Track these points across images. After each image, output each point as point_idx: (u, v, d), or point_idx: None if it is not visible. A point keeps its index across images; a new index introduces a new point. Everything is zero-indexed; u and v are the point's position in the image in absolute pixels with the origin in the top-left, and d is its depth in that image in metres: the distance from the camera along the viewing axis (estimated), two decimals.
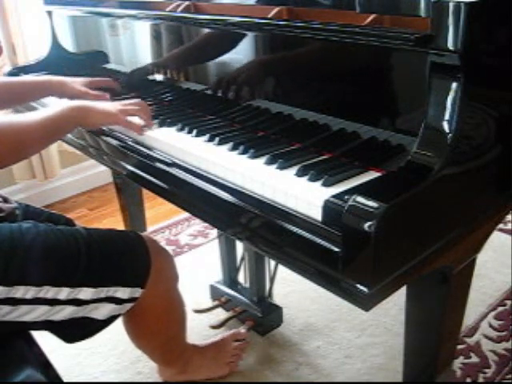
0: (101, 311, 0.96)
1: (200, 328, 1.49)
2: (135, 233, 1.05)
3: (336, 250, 0.66)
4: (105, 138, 1.13)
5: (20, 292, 0.87)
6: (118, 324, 1.04)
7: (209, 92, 1.12)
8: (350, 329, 1.49)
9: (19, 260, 0.87)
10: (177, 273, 1.13)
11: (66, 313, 0.92)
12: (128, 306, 0.99)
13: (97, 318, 0.96)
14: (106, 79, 1.34)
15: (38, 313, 0.90)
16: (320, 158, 0.85)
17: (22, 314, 0.89)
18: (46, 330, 0.96)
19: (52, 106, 1.02)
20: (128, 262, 0.99)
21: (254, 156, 0.87)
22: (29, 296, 0.87)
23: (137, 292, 0.98)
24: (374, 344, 1.43)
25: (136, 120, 1.05)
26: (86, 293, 0.92)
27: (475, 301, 1.54)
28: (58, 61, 1.58)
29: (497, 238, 1.83)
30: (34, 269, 0.87)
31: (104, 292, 0.94)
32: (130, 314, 1.03)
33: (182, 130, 1.02)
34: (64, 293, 0.90)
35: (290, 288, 1.66)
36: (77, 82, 1.26)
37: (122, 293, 0.96)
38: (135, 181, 1.09)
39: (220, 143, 0.93)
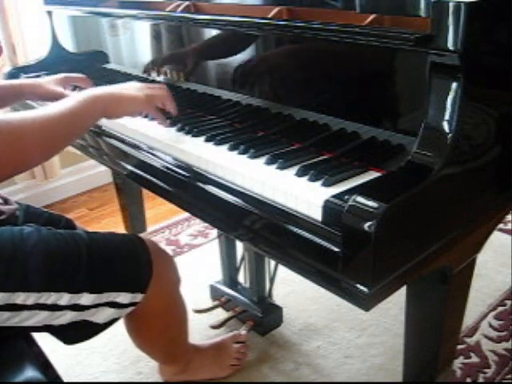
0: (101, 315, 0.95)
1: (200, 328, 1.49)
2: (137, 236, 1.03)
3: (336, 249, 0.66)
4: (105, 138, 1.13)
5: (21, 298, 0.86)
6: (119, 324, 1.04)
7: (209, 92, 1.12)
8: (349, 329, 1.49)
9: (20, 266, 0.86)
10: (179, 276, 1.12)
11: (66, 318, 0.92)
12: (128, 310, 0.98)
13: (97, 322, 0.96)
14: (81, 76, 1.25)
15: (39, 318, 0.90)
16: (320, 158, 0.84)
17: (22, 320, 0.89)
18: (45, 331, 0.96)
19: (71, 97, 0.90)
20: (130, 267, 0.97)
21: (254, 156, 0.86)
22: (29, 302, 0.87)
23: (138, 297, 0.98)
24: (374, 344, 1.43)
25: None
26: (86, 298, 0.91)
27: (475, 301, 1.54)
28: (58, 61, 1.58)
29: (497, 238, 1.83)
30: (35, 275, 0.86)
31: (105, 297, 0.94)
32: (131, 316, 1.03)
33: (181, 129, 1.01)
34: (65, 298, 0.90)
35: (290, 288, 1.66)
36: (51, 82, 1.17)
37: (123, 298, 0.96)
38: (135, 181, 1.09)
39: (220, 143, 0.93)
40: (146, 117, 1.09)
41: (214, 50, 1.08)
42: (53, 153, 0.88)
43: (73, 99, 0.89)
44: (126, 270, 0.97)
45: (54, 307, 0.89)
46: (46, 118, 0.83)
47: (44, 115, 0.83)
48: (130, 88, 0.97)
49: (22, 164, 0.83)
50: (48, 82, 1.18)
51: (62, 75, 1.21)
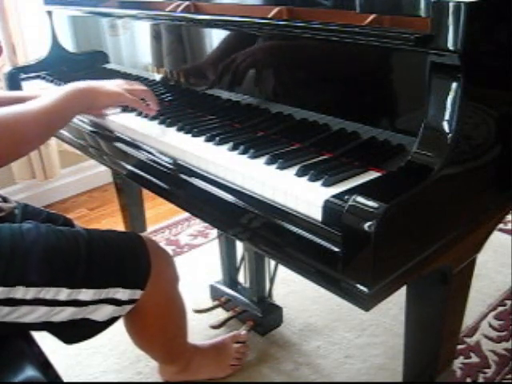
0: (100, 313, 0.96)
1: (200, 328, 1.49)
2: (135, 234, 1.04)
3: (336, 250, 0.66)
4: (105, 139, 1.13)
5: (20, 293, 0.86)
6: (119, 324, 1.04)
7: (209, 92, 1.12)
8: (350, 329, 1.49)
9: (19, 261, 0.86)
10: (177, 274, 1.13)
11: (65, 314, 0.92)
12: (128, 307, 0.98)
13: (96, 320, 0.96)
14: None
15: (38, 314, 0.90)
16: (320, 158, 0.84)
17: (21, 315, 0.89)
18: (45, 330, 0.96)
19: (52, 91, 0.97)
20: (128, 263, 0.98)
21: (254, 156, 0.86)
22: (29, 297, 0.87)
23: (136, 294, 0.98)
24: (374, 344, 1.43)
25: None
26: (85, 294, 0.92)
27: (475, 301, 1.54)
28: (58, 61, 1.58)
29: (497, 238, 1.83)
30: (34, 270, 0.87)
31: (104, 293, 0.94)
32: (130, 315, 1.03)
33: (181, 129, 1.01)
34: (64, 293, 0.90)
35: (290, 288, 1.66)
36: None
37: (122, 294, 0.96)
38: (135, 181, 1.09)
39: (220, 143, 0.93)
40: (145, 116, 1.09)
41: (214, 50, 1.08)
42: (44, 139, 0.99)
43: (56, 92, 0.96)
44: (125, 266, 0.98)
45: (54, 302, 0.90)
46: (38, 110, 0.91)
47: (35, 107, 0.91)
48: (110, 84, 1.05)
49: (23, 148, 0.92)
50: None
51: None
